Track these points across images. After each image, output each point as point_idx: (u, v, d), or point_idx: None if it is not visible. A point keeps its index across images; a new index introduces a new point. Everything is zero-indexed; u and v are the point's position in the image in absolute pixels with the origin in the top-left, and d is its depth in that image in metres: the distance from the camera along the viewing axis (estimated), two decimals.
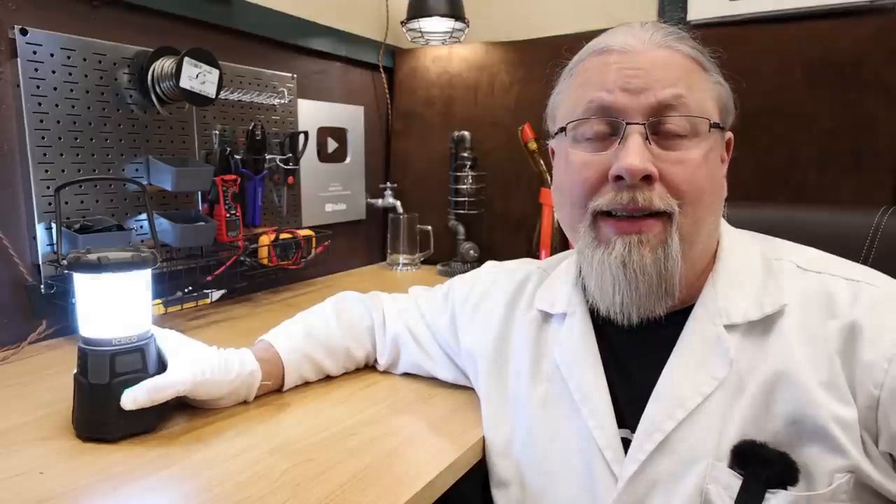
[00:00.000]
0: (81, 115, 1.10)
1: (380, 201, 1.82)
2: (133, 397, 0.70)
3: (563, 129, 0.70)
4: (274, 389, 0.86)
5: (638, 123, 0.63)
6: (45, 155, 1.06)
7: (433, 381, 0.92)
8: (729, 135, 0.71)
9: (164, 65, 1.15)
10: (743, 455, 0.60)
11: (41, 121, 1.05)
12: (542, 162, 1.43)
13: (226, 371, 0.78)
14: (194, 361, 0.76)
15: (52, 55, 1.05)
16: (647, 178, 0.62)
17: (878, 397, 0.57)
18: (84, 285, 0.73)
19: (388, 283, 1.61)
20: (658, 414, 0.64)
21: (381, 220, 1.89)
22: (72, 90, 1.08)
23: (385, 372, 0.95)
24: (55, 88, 1.06)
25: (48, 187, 1.06)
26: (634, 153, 0.62)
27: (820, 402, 0.58)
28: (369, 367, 0.96)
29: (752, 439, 0.60)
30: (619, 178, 0.63)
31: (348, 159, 1.77)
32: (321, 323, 0.91)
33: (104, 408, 0.71)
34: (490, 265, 0.93)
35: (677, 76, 0.64)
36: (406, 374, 0.95)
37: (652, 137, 0.63)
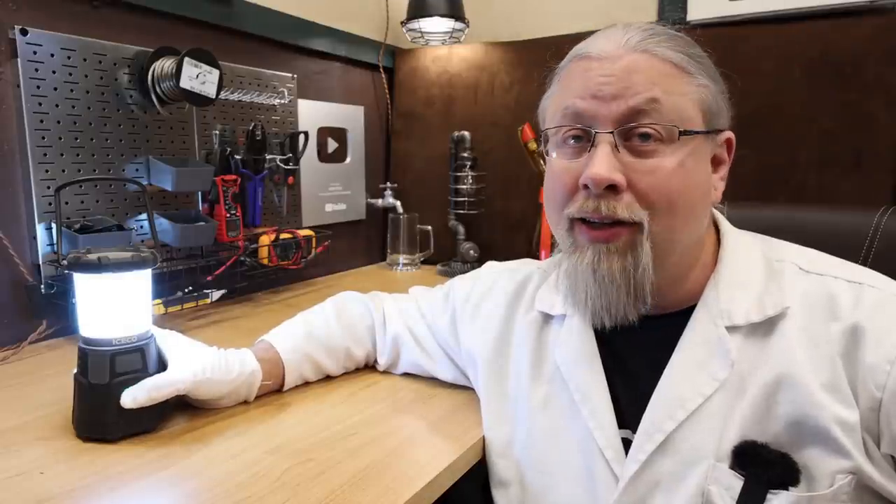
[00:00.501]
0: (81, 116, 1.10)
1: (380, 201, 1.82)
2: (133, 396, 0.70)
3: (542, 135, 0.70)
4: (274, 389, 0.86)
5: (607, 132, 0.63)
6: (45, 155, 1.06)
7: (433, 381, 0.92)
8: (727, 135, 0.69)
9: (164, 65, 1.15)
10: (744, 456, 0.60)
11: (41, 121, 1.05)
12: (542, 162, 1.43)
13: (226, 371, 0.78)
14: (194, 361, 0.76)
15: (52, 55, 1.05)
16: (614, 188, 0.62)
17: (880, 399, 0.57)
18: (84, 285, 0.73)
19: (388, 283, 1.61)
20: (659, 414, 0.64)
21: (381, 220, 1.89)
22: (72, 90, 1.09)
23: (385, 372, 0.95)
24: (55, 88, 1.06)
25: (48, 187, 1.06)
26: (599, 162, 0.61)
27: (822, 403, 0.58)
28: (369, 367, 0.96)
29: (754, 440, 0.60)
30: (587, 185, 0.63)
31: (348, 159, 1.77)
32: (321, 323, 0.91)
33: (104, 408, 0.71)
34: (490, 265, 0.93)
35: (651, 81, 0.63)
36: (406, 374, 0.95)
37: (624, 145, 0.63)
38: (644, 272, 0.63)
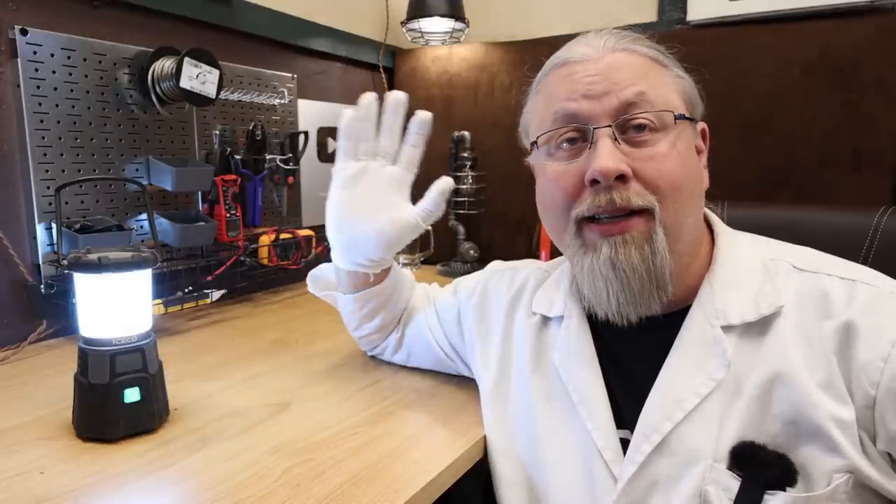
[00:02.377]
0: (81, 115, 1.10)
1: None
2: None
3: (535, 144, 0.71)
4: (370, 282, 0.89)
5: (605, 126, 0.64)
6: (45, 155, 1.06)
7: (433, 380, 0.92)
8: (702, 125, 0.72)
9: (164, 65, 1.15)
10: (741, 456, 0.60)
11: (41, 121, 1.05)
12: None
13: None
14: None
15: (52, 55, 1.05)
16: (622, 178, 0.63)
17: (875, 397, 0.57)
18: (84, 285, 0.73)
19: None
20: (656, 415, 0.64)
21: None
22: (72, 90, 1.09)
23: (385, 371, 0.95)
24: (55, 88, 1.06)
25: (48, 187, 1.06)
26: (605, 155, 0.62)
27: (817, 402, 0.58)
28: (375, 357, 0.97)
29: (751, 441, 0.60)
30: (594, 181, 0.63)
31: None
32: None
33: (104, 408, 0.71)
34: (495, 265, 0.93)
35: (636, 75, 0.65)
36: (406, 374, 0.95)
37: (621, 137, 0.64)
38: (663, 259, 0.63)
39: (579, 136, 0.66)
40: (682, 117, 0.66)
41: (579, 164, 0.65)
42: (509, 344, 0.80)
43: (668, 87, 0.67)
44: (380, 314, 0.92)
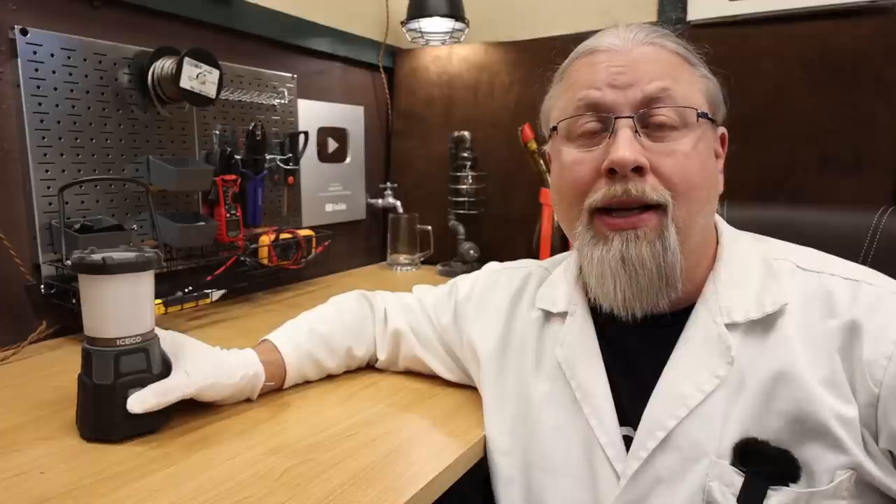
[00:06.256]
0: (82, 116, 1.10)
1: (380, 201, 1.82)
2: (142, 400, 0.70)
3: (555, 129, 0.71)
4: (276, 388, 0.86)
5: (626, 117, 0.64)
6: (45, 155, 1.06)
7: (433, 380, 0.92)
8: (722, 130, 0.72)
9: (165, 65, 1.15)
10: (745, 453, 0.61)
11: (41, 121, 1.05)
12: (542, 162, 1.43)
13: (230, 374, 0.78)
14: (199, 364, 0.76)
15: (52, 55, 1.05)
16: (639, 170, 0.63)
17: (878, 395, 0.57)
18: (88, 286, 0.73)
19: (388, 283, 1.61)
20: (660, 411, 0.64)
21: (381, 220, 1.89)
22: (72, 90, 1.09)
23: (385, 372, 0.95)
24: (55, 88, 1.06)
25: (48, 187, 1.06)
26: (625, 145, 0.62)
27: (821, 400, 0.58)
28: (371, 365, 0.96)
29: (755, 437, 0.61)
30: (611, 171, 0.63)
31: (348, 159, 1.77)
32: (323, 322, 0.91)
33: (109, 408, 0.71)
34: (492, 265, 0.93)
35: (662, 70, 0.65)
36: (406, 374, 0.94)
37: (641, 130, 0.64)
38: (674, 255, 0.63)
39: (600, 125, 0.66)
40: (704, 116, 0.66)
41: (597, 154, 0.65)
42: (510, 341, 0.80)
43: (693, 85, 0.67)
44: (330, 367, 0.90)
